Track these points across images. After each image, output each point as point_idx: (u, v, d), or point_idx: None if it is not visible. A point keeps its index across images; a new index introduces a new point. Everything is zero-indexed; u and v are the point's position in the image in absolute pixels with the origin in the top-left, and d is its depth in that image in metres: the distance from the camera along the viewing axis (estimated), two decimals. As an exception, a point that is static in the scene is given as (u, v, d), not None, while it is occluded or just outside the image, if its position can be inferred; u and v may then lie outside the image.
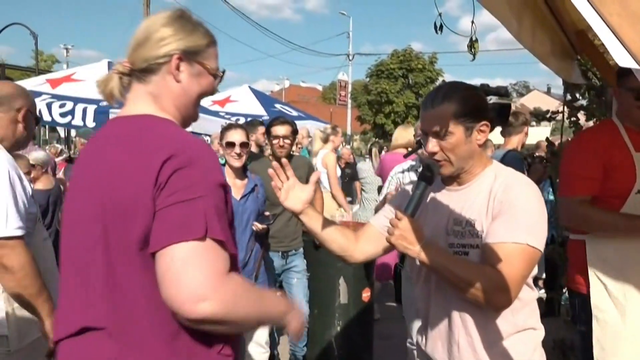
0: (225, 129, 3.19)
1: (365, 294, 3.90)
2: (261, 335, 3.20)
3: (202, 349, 1.11)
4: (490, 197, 1.49)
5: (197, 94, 1.28)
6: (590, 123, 3.54)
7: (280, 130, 3.52)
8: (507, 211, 1.43)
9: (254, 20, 32.93)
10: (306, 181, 4.59)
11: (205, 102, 10.88)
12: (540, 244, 1.42)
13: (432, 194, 1.66)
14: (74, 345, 1.13)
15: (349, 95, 31.92)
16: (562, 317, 4.16)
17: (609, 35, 0.80)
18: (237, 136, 3.02)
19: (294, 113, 10.39)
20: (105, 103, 6.66)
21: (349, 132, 30.18)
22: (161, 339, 1.09)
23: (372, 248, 1.72)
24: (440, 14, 1.94)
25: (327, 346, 3.75)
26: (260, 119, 9.91)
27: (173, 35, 1.19)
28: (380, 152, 6.84)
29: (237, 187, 3.05)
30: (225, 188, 1.15)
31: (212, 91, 1.31)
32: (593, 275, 2.10)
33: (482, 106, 1.53)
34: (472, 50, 1.93)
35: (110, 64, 8.08)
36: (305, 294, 3.65)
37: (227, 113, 9.90)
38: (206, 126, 8.08)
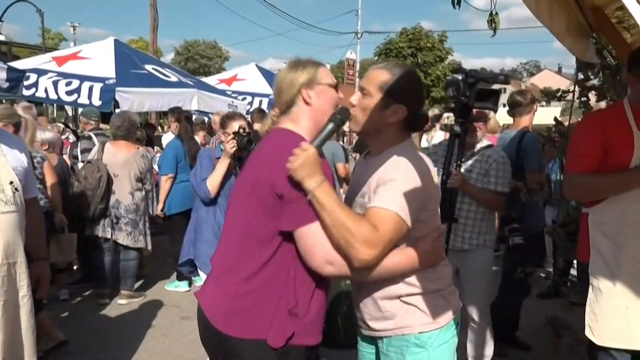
0: (230, 118, 3.25)
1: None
2: None
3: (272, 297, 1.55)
4: (378, 172, 1.63)
5: (328, 104, 1.67)
6: (602, 104, 3.47)
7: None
8: (387, 183, 1.57)
9: (262, -2, 32.42)
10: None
11: (212, 81, 10.80)
12: (409, 219, 1.55)
13: (360, 165, 1.85)
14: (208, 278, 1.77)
15: (357, 74, 31.57)
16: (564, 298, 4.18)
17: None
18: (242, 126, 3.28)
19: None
20: (112, 81, 6.71)
21: (356, 111, 29.94)
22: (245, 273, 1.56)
23: None
24: (459, -12, 1.87)
25: (333, 325, 3.75)
26: (268, 97, 9.88)
27: (293, 80, 1.66)
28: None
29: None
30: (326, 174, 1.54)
31: (337, 97, 1.70)
32: (593, 245, 2.25)
33: (407, 92, 1.67)
34: (493, 25, 1.86)
35: (116, 42, 8.00)
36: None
37: (233, 92, 9.83)
38: (213, 105, 8.03)
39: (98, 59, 7.43)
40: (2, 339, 2.14)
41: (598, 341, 2.20)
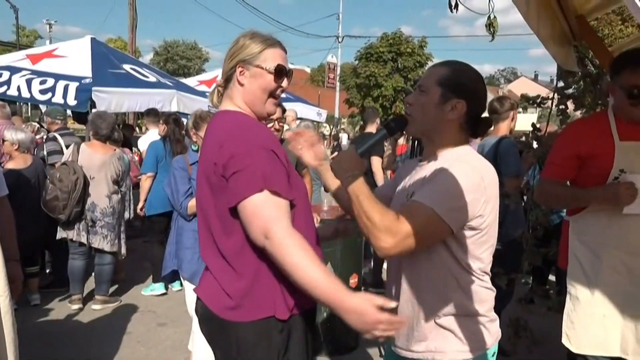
0: (203, 120, 3.14)
1: (353, 280, 3.86)
2: None
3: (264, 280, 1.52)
4: (430, 172, 1.54)
5: (260, 90, 1.62)
6: (578, 113, 3.50)
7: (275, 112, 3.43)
8: (433, 180, 1.49)
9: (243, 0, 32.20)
10: (296, 166, 4.42)
11: (192, 82, 10.66)
12: (450, 219, 1.42)
13: (409, 167, 1.75)
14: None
15: (338, 78, 31.65)
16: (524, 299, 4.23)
17: None
18: None
19: (282, 95, 10.20)
20: (88, 81, 6.54)
21: (336, 115, 29.97)
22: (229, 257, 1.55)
23: None
24: (456, -10, 1.84)
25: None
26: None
27: (235, 52, 1.62)
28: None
29: None
30: (274, 151, 1.51)
31: (275, 85, 1.62)
32: (572, 253, 2.26)
33: (467, 87, 1.56)
34: (491, 29, 1.82)
35: (93, 40, 7.83)
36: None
37: (214, 93, 9.71)
38: (193, 106, 7.92)
39: (74, 57, 7.24)
40: None
41: (575, 349, 2.22)
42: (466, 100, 1.54)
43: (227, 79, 1.65)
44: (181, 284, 4.89)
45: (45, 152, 5.19)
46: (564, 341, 2.26)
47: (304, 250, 1.40)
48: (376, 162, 5.26)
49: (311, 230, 1.67)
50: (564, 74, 3.14)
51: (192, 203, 2.98)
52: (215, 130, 1.60)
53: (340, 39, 31.31)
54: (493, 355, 1.62)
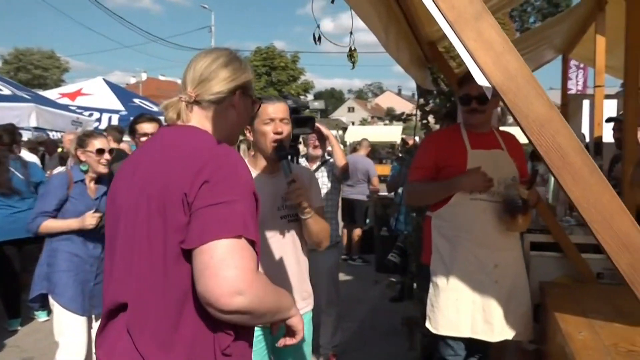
0: (88, 136, 3.03)
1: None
2: None
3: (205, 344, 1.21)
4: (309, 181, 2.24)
5: (243, 121, 1.48)
6: (437, 126, 3.97)
7: (148, 127, 3.38)
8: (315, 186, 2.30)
9: (109, 8, 30.34)
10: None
11: (53, 95, 9.85)
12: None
13: (259, 180, 2.11)
14: (108, 322, 1.30)
15: (212, 90, 31.25)
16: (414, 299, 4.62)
17: (469, 57, 0.91)
18: (104, 143, 3.06)
19: (155, 108, 9.87)
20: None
21: (212, 128, 29.54)
22: (166, 323, 1.20)
23: None
24: (318, 26, 2.07)
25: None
26: (118, 113, 9.31)
27: (234, 73, 1.39)
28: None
29: (92, 190, 3.06)
30: (255, 195, 1.27)
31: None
32: (434, 245, 2.55)
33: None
34: (352, 59, 2.10)
35: None
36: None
37: (79, 107, 9.05)
38: (55, 121, 7.35)
39: None
40: None
41: (434, 330, 2.49)
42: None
43: (214, 101, 1.37)
44: (48, 314, 4.51)
45: None
46: (427, 324, 2.53)
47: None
48: None
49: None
50: (423, 92, 3.53)
51: (47, 224, 2.86)
52: (183, 146, 1.28)
53: (213, 52, 30.97)
54: None
